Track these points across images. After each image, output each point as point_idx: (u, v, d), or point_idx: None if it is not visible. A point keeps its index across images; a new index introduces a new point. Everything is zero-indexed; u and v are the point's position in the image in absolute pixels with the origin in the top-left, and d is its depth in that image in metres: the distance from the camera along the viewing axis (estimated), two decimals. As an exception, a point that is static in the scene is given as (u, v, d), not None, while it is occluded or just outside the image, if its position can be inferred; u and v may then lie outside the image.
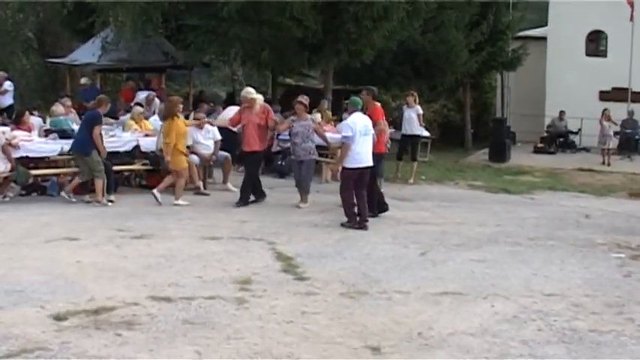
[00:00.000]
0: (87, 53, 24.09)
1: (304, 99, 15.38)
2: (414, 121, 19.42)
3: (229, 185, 16.49)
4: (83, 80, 23.63)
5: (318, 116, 18.16)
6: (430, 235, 12.78)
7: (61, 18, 27.44)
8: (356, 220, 13.16)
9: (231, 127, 16.34)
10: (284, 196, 15.89)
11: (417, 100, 19.67)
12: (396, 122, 30.27)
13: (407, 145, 19.92)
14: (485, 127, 33.22)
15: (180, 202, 14.61)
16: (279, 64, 24.01)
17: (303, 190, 15.07)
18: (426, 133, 20.72)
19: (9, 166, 14.47)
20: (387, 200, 14.76)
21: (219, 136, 16.71)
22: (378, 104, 14.74)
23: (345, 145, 13.26)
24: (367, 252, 11.28)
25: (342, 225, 13.13)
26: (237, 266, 10.09)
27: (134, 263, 10.09)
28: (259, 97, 15.28)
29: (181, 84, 33.70)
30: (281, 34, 20.31)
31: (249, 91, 15.36)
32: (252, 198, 14.99)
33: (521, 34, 32.59)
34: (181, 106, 15.89)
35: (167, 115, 15.24)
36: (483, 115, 34.94)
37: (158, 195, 14.47)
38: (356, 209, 13.25)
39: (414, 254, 11.32)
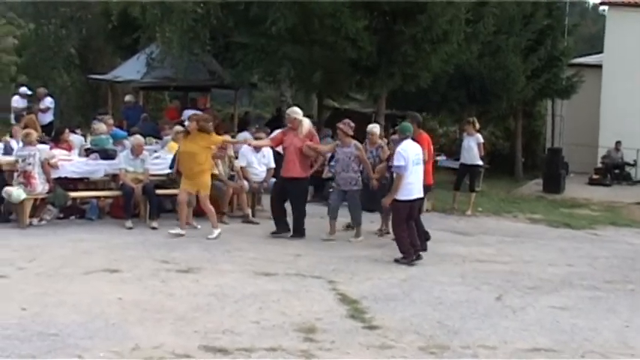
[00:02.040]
0: (130, 70, 23.33)
1: (346, 124, 14.13)
2: (473, 150, 18.32)
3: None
4: (127, 98, 22.83)
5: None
6: (500, 275, 11.72)
7: (105, 34, 26.94)
8: (412, 256, 12.23)
9: (273, 147, 15.25)
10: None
11: (477, 128, 18.51)
12: (444, 149, 29.52)
13: (465, 175, 18.83)
14: (534, 156, 32.23)
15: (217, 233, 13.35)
16: (329, 86, 23.07)
17: (356, 223, 14.01)
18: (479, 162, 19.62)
19: (47, 187, 13.57)
20: (446, 233, 14.50)
21: (273, 164, 15.70)
22: (424, 132, 13.97)
23: (398, 175, 12.24)
24: (437, 295, 10.20)
25: (397, 261, 12.18)
26: (297, 309, 9.03)
27: (182, 303, 9.07)
28: (306, 120, 14.11)
29: (223, 104, 32.95)
30: (333, 54, 19.38)
31: (296, 111, 14.13)
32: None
33: (576, 61, 31.54)
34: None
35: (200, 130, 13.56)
36: (532, 143, 33.80)
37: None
38: None
39: (489, 298, 10.25)
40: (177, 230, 13.11)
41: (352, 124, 14.09)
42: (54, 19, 30.11)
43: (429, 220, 16.48)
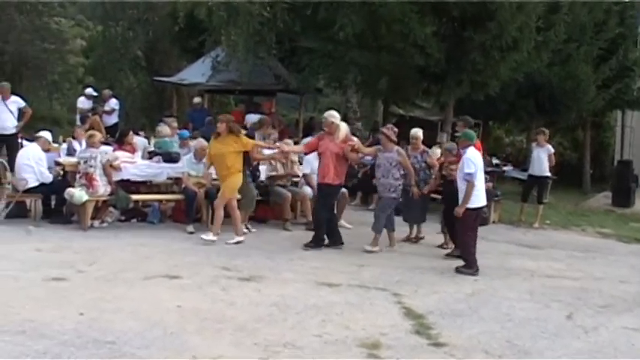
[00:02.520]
0: (195, 73, 23.27)
1: (389, 128, 13.71)
2: (543, 161, 17.84)
3: (343, 222, 15.04)
4: (196, 100, 22.76)
5: (438, 152, 16.64)
6: (570, 292, 11.28)
7: (171, 36, 26.93)
8: (476, 267, 11.95)
9: (307, 153, 14.61)
10: (401, 236, 14.53)
11: (547, 139, 18.03)
12: (510, 159, 28.97)
13: (533, 187, 18.37)
14: (602, 168, 31.45)
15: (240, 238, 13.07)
16: (395, 93, 22.73)
17: (376, 230, 13.34)
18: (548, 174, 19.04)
19: (109, 189, 13.45)
20: (513, 246, 14.24)
21: None
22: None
23: (469, 183, 11.95)
24: (506, 312, 9.82)
25: (458, 270, 11.94)
26: (361, 323, 8.72)
27: (243, 312, 8.82)
28: (343, 125, 13.55)
29: (288, 109, 32.75)
30: (401, 61, 19.04)
31: (333, 115, 13.50)
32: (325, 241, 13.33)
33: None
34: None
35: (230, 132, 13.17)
36: (600, 155, 33.00)
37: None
38: None
39: (559, 317, 9.83)
40: (210, 236, 12.80)
41: (395, 129, 13.70)
42: (121, 21, 30.32)
43: (495, 232, 16.25)
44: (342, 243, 13.32)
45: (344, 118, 21.02)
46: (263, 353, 7.42)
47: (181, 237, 13.21)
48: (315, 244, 13.02)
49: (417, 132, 14.57)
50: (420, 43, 18.10)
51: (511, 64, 19.42)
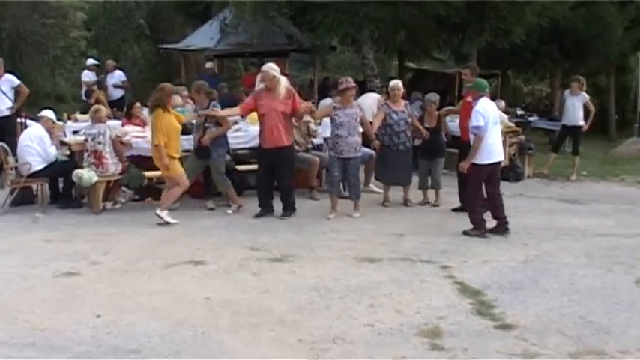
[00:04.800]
0: (203, 37, 22.32)
1: (349, 81, 12.34)
2: (578, 110, 16.76)
3: (372, 187, 14.04)
4: (208, 64, 21.55)
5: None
6: (629, 252, 10.25)
7: (175, 2, 25.99)
8: (485, 227, 11.02)
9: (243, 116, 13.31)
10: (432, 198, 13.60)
11: (584, 87, 16.91)
12: (530, 109, 27.90)
13: (566, 137, 17.38)
14: (624, 113, 30.28)
15: (164, 215, 11.56)
16: (414, 47, 21.74)
17: (356, 195, 12.40)
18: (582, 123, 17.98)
19: (120, 167, 12.47)
20: (555, 203, 13.64)
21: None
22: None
23: (477, 137, 10.83)
24: (568, 280, 8.81)
25: (466, 233, 11.01)
26: (414, 305, 7.71)
27: (280, 301, 7.81)
28: (283, 78, 12.16)
29: (295, 69, 31.68)
30: (419, 12, 18.06)
31: (273, 67, 12.11)
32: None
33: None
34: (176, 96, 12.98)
35: (156, 106, 11.74)
36: (621, 100, 31.81)
37: (163, 215, 11.57)
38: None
39: (627, 283, 8.82)
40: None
41: (350, 79, 12.47)
42: (122, -11, 29.40)
43: (532, 188, 15.43)
44: (273, 210, 12.27)
45: (363, 79, 20.18)
46: (310, 352, 6.42)
47: (201, 214, 12.24)
48: (292, 209, 12.26)
49: (397, 83, 13.52)
50: (440, -8, 17.21)
51: (536, 7, 18.41)
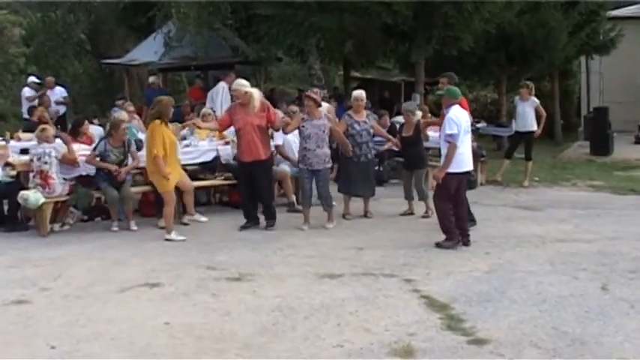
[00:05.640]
0: (147, 51, 21.88)
1: (317, 92, 12.44)
2: (529, 115, 16.73)
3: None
4: (152, 79, 21.30)
5: (419, 113, 15.36)
6: (590, 258, 10.15)
7: (115, 15, 25.55)
8: (457, 236, 10.82)
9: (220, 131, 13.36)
10: (391, 209, 13.50)
11: (533, 92, 16.88)
12: (475, 114, 27.91)
13: (519, 144, 17.30)
14: (568, 118, 30.50)
15: (174, 236, 11.52)
16: (360, 56, 21.59)
17: (328, 205, 12.33)
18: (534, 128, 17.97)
19: (67, 187, 12.06)
20: (512, 209, 13.69)
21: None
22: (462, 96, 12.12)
23: (451, 145, 10.67)
24: (535, 290, 8.63)
25: (439, 245, 10.77)
26: (382, 323, 7.43)
27: (243, 324, 7.48)
28: (256, 92, 12.12)
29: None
30: (365, 21, 17.91)
31: (243, 83, 12.22)
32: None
33: (613, 13, 29.62)
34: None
35: (156, 118, 11.67)
36: (565, 104, 32.00)
37: (173, 236, 11.47)
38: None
39: (593, 289, 8.68)
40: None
41: (317, 91, 12.61)
42: (60, 5, 28.68)
43: (487, 195, 15.32)
44: (259, 222, 12.31)
45: (310, 86, 19.97)
46: (282, 377, 6.14)
47: (153, 233, 11.88)
48: (274, 219, 12.30)
49: (361, 93, 13.36)
50: (386, 0, 17.01)
51: (484, 15, 18.36)
